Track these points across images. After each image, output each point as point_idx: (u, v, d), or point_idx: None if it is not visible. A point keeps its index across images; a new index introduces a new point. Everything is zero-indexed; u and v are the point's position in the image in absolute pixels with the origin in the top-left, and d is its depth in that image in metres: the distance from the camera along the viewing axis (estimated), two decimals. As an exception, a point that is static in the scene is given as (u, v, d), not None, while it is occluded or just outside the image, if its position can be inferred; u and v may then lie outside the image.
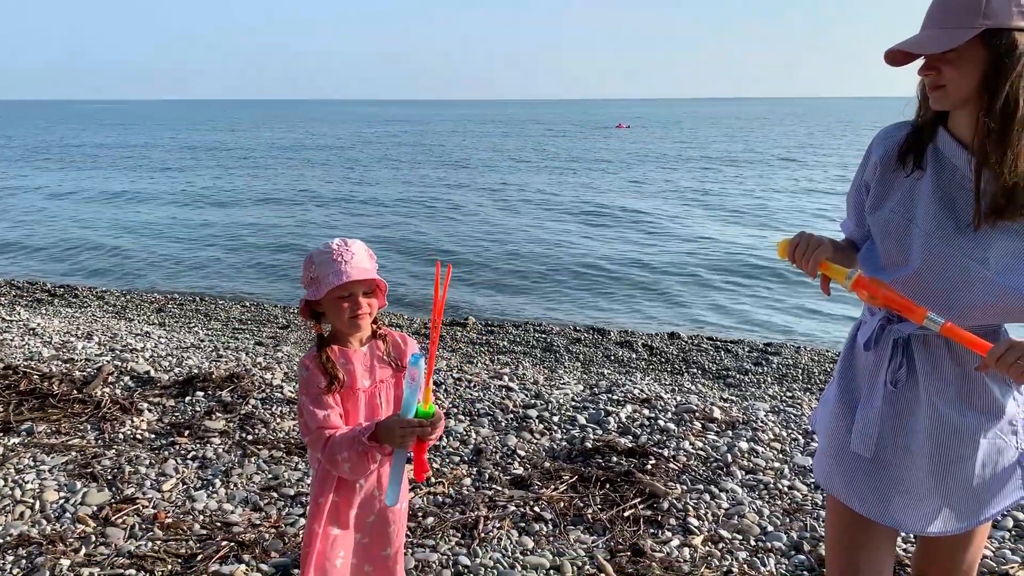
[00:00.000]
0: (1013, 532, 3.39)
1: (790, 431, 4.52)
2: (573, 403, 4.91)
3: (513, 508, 3.53)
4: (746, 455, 4.13)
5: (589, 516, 3.45)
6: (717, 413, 4.74)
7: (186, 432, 4.39)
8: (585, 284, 11.63)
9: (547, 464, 4.00)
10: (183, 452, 4.15)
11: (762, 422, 4.62)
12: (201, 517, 3.50)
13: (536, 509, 3.51)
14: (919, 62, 1.75)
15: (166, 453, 4.13)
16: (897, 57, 1.74)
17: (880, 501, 1.91)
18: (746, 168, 31.06)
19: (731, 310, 10.25)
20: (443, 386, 5.17)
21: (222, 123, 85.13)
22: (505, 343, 8.02)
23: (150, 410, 4.73)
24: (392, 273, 12.04)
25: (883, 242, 1.87)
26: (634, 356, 7.74)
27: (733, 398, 5.65)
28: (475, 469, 3.97)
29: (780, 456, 4.16)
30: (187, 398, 4.94)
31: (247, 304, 9.98)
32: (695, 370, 7.29)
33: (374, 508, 2.21)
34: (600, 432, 4.44)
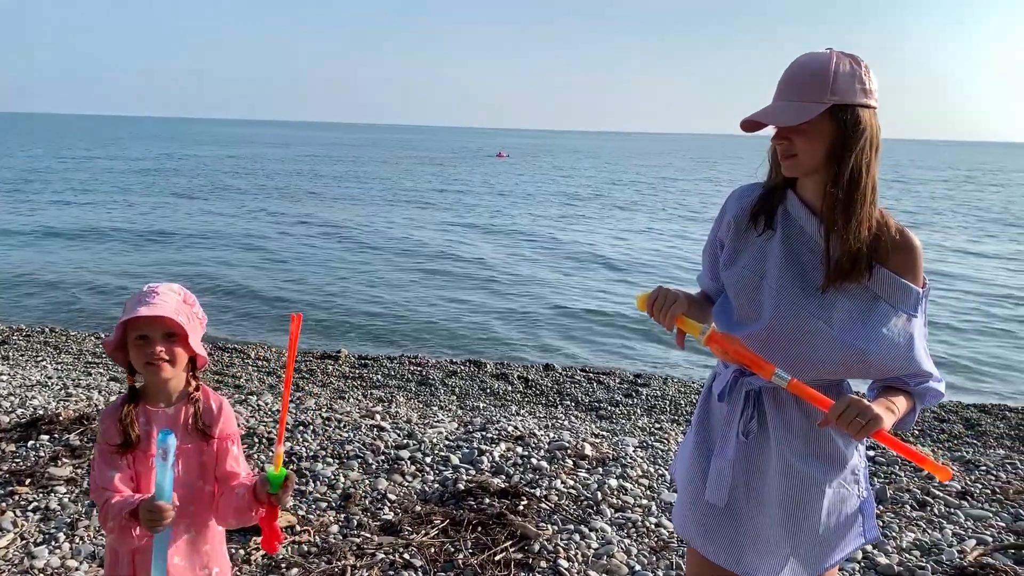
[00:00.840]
0: (862, 563, 3.56)
1: (657, 467, 4.62)
2: (447, 442, 4.86)
3: (382, 556, 3.43)
4: (615, 492, 4.19)
5: (460, 561, 3.40)
6: (588, 450, 4.79)
7: (27, 480, 4.06)
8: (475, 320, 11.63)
9: (418, 508, 3.92)
10: (23, 503, 3.83)
11: (631, 458, 4.70)
12: (41, 575, 3.23)
13: (406, 556, 3.43)
14: (771, 129, 1.84)
15: (3, 505, 3.80)
16: (752, 125, 1.82)
17: (734, 551, 1.96)
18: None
19: (602, 344, 10.47)
20: (311, 427, 5.01)
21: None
22: (379, 377, 7.89)
23: (-14, 457, 4.35)
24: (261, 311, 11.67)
25: (736, 298, 1.95)
26: (510, 388, 7.77)
27: (604, 432, 5.74)
28: (343, 515, 3.85)
29: (648, 493, 4.24)
30: (30, 442, 4.58)
31: (102, 335, 9.40)
32: (568, 402, 7.38)
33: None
34: (473, 472, 4.40)
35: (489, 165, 57.52)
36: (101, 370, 7.47)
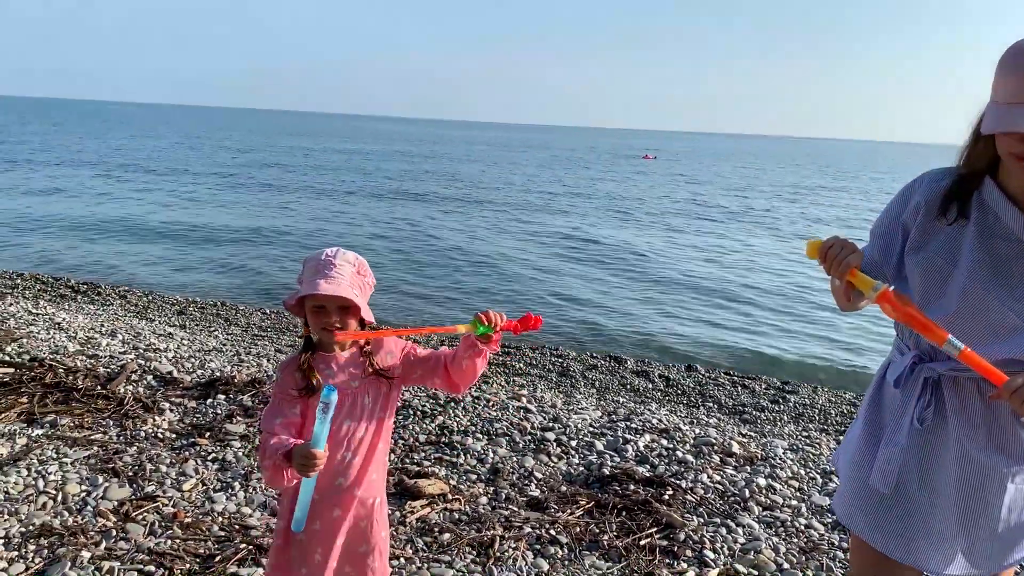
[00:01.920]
0: (1032, 585, 3.36)
1: (808, 470, 4.50)
2: (591, 429, 4.92)
3: (529, 530, 3.53)
4: (764, 491, 4.12)
5: (605, 542, 3.45)
6: (736, 448, 4.73)
7: (207, 434, 4.43)
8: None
9: (564, 488, 4.01)
10: (203, 453, 4.18)
11: (780, 459, 4.60)
12: (220, 519, 3.53)
13: (552, 532, 3.52)
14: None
15: (186, 453, 4.17)
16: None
17: (904, 541, 1.91)
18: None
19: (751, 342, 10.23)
20: (461, 404, 5.19)
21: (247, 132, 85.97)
22: (521, 365, 8.03)
23: (172, 410, 4.77)
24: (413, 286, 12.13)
25: (923, 283, 1.89)
26: (650, 386, 7.73)
27: (751, 434, 5.63)
28: (492, 488, 3.98)
29: (798, 494, 4.14)
30: (208, 400, 4.98)
31: (267, 311, 10.04)
32: (711, 404, 7.26)
33: (343, 504, 2.20)
34: (618, 459, 4.44)
35: (639, 165, 57.36)
36: (266, 342, 7.99)
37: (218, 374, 5.64)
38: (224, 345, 7.31)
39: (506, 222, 21.14)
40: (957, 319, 1.82)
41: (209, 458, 4.14)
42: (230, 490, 3.81)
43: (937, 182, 1.91)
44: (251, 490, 3.82)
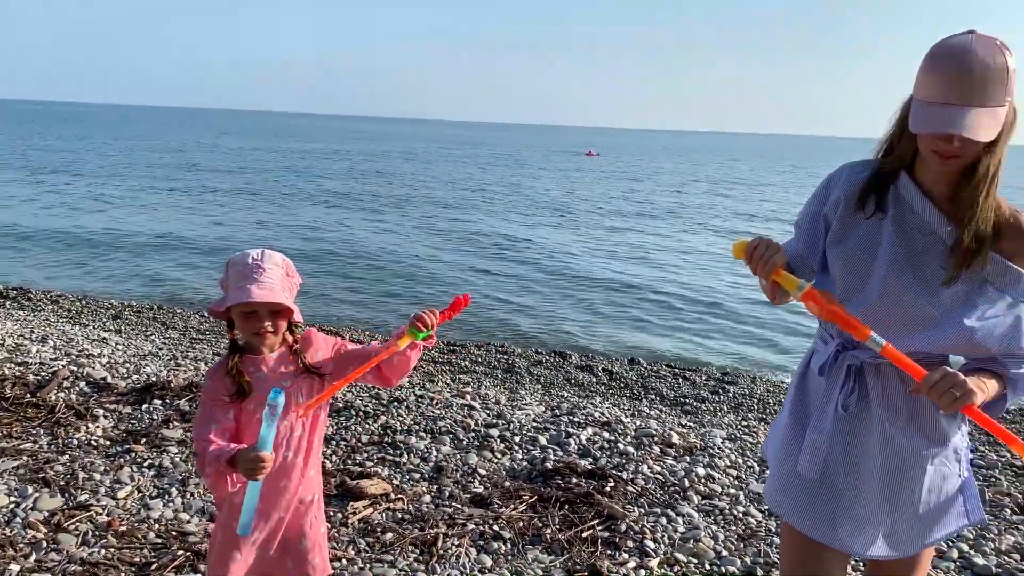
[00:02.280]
0: (958, 563, 3.48)
1: (746, 458, 4.60)
2: (535, 424, 4.94)
3: (472, 526, 3.54)
4: (703, 480, 4.19)
5: (548, 536, 3.48)
6: (675, 438, 4.80)
7: (143, 440, 4.33)
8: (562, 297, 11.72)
9: (507, 483, 4.02)
10: (139, 460, 4.09)
11: (719, 449, 4.69)
12: (156, 526, 3.45)
13: (495, 528, 3.53)
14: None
15: (121, 460, 4.07)
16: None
17: (830, 525, 1.97)
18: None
19: (691, 338, 10.39)
20: (405, 403, 5.17)
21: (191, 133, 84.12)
22: (467, 363, 8.03)
23: (106, 417, 4.66)
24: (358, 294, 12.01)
25: (843, 275, 1.95)
26: (594, 380, 7.81)
27: (691, 424, 5.73)
28: (435, 486, 3.97)
29: (736, 483, 4.23)
30: (144, 406, 4.87)
31: (205, 315, 9.85)
32: (653, 396, 7.37)
33: (285, 504, 2.21)
34: (560, 453, 4.47)
35: (581, 161, 57.68)
36: (205, 345, 7.85)
37: (154, 379, 5.52)
38: (161, 349, 7.16)
39: (442, 222, 20.99)
40: (876, 310, 1.87)
41: (145, 465, 4.05)
42: (167, 496, 3.74)
43: (856, 175, 1.96)
44: (189, 495, 3.76)
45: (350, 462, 4.23)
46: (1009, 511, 4.06)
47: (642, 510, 3.81)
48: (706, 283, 13.87)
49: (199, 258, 14.10)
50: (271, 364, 2.17)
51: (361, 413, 4.92)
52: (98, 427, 4.48)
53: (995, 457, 4.98)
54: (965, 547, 3.61)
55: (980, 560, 3.48)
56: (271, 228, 18.30)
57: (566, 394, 7.07)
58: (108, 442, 4.30)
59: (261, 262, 2.11)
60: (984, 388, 1.74)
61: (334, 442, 4.47)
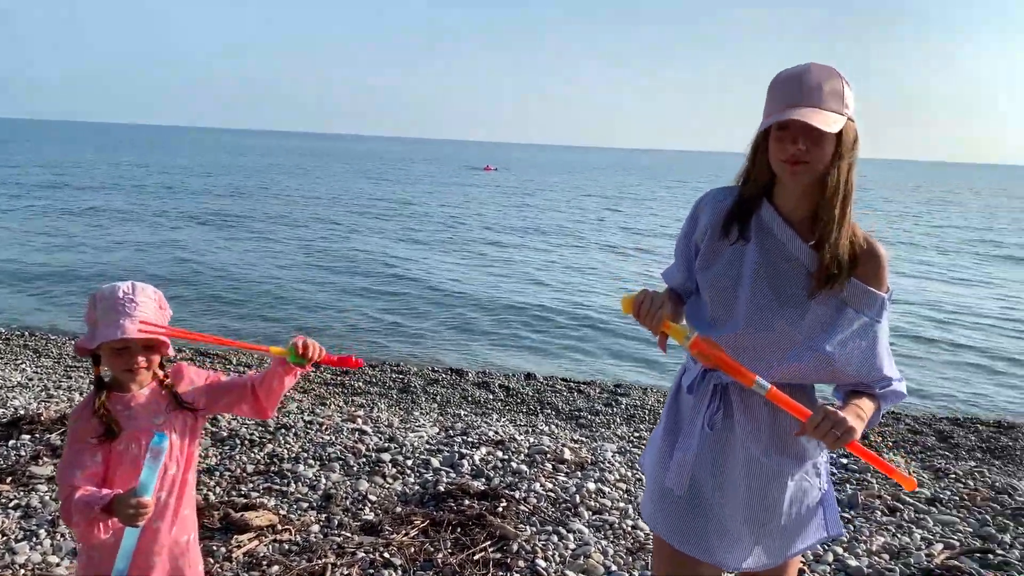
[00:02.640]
0: (833, 566, 3.64)
1: (635, 472, 4.69)
2: (428, 446, 4.91)
3: (362, 555, 3.48)
4: (593, 495, 4.25)
5: (439, 561, 3.45)
6: (567, 454, 4.86)
7: (8, 479, 4.08)
8: (452, 323, 11.67)
9: (399, 509, 3.98)
10: (4, 500, 3.85)
11: (609, 463, 4.77)
12: (22, 571, 3.25)
13: (386, 555, 3.48)
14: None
15: (-16, 503, 3.82)
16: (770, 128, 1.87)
17: (700, 539, 2.03)
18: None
19: (584, 354, 10.54)
20: (293, 429, 5.05)
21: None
22: (360, 384, 7.91)
23: (-33, 456, 4.36)
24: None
25: (712, 301, 2.02)
26: (491, 397, 7.81)
27: (584, 439, 5.81)
28: (324, 515, 3.89)
29: (625, 496, 4.31)
30: (11, 442, 4.59)
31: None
32: (549, 410, 7.43)
33: (159, 546, 2.12)
34: (454, 475, 4.45)
35: (478, 176, 57.90)
36: (81, 374, 7.45)
37: (22, 412, 5.21)
38: (31, 380, 6.76)
39: (327, 240, 20.46)
40: (744, 337, 1.94)
41: (11, 505, 3.81)
42: (34, 539, 3.53)
43: (720, 202, 2.04)
44: (59, 537, 3.55)
45: (234, 493, 4.09)
46: (879, 512, 4.28)
47: (534, 528, 3.83)
48: (591, 300, 14.06)
49: (54, 284, 13.27)
50: (141, 401, 2.08)
51: (247, 442, 4.77)
52: (-42, 467, 4.19)
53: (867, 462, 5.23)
54: (840, 550, 3.79)
55: (853, 562, 3.65)
56: (135, 250, 17.33)
57: (462, 412, 7.05)
58: (-31, 483, 4.02)
59: (133, 296, 2.02)
60: (863, 414, 1.84)
61: (217, 473, 4.32)
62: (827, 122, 1.77)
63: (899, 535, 4.00)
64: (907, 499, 4.47)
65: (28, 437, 4.66)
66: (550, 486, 4.35)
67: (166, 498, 2.11)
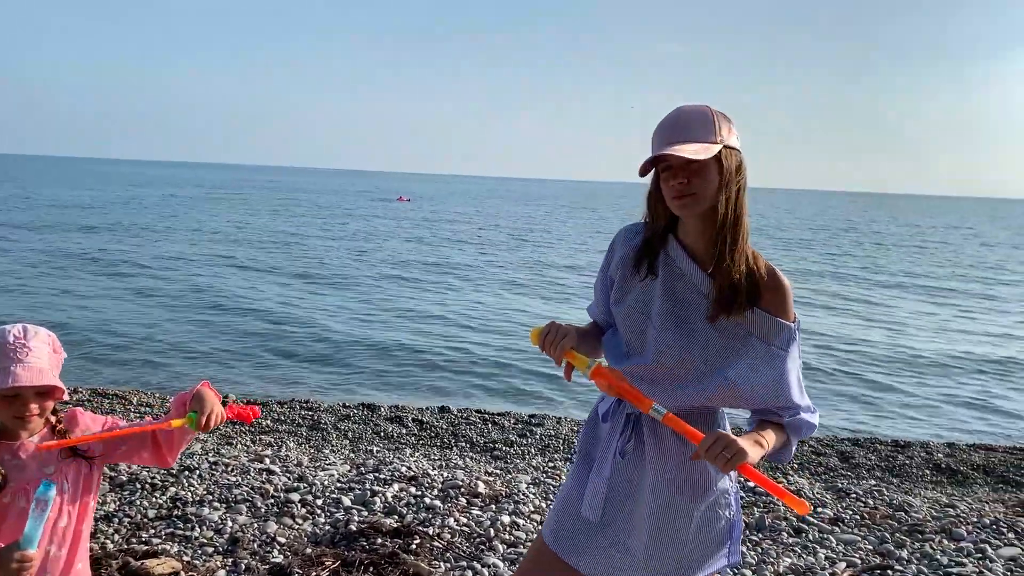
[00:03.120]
0: (742, 588, 3.72)
1: (550, 502, 4.70)
2: (339, 484, 4.80)
3: (270, 600, 3.36)
4: (508, 529, 4.24)
5: (351, 602, 3.37)
6: (482, 488, 4.83)
7: None
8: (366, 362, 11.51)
9: (309, 550, 3.86)
10: None
11: (524, 494, 4.77)
12: None
13: (295, 599, 3.37)
14: (645, 179, 1.99)
15: None
16: (647, 166, 1.94)
17: (606, 564, 2.06)
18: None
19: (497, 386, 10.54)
20: (197, 471, 4.86)
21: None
22: (269, 422, 7.69)
23: None
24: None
25: (625, 334, 2.07)
26: (404, 431, 7.71)
27: (498, 471, 5.79)
28: (231, 559, 3.74)
29: (539, 527, 4.30)
30: None
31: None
32: (463, 443, 7.38)
33: None
34: (365, 513, 4.37)
35: (393, 208, 57.61)
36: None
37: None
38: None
39: (206, 280, 20.19)
40: (655, 367, 2.00)
41: None
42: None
43: (631, 239, 2.11)
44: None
45: (134, 540, 3.91)
46: (785, 534, 4.40)
47: (448, 565, 3.78)
48: (498, 342, 14.04)
49: None
50: (31, 449, 1.98)
51: (147, 485, 4.56)
52: None
53: (773, 483, 5.38)
54: (748, 573, 3.87)
55: (761, 583, 3.74)
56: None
57: (375, 448, 6.92)
58: None
59: (25, 340, 1.93)
60: (763, 442, 1.88)
61: (116, 519, 4.11)
62: (697, 151, 1.84)
63: (804, 555, 4.12)
64: (812, 520, 4.62)
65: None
66: (464, 521, 4.31)
67: (56, 551, 2.00)
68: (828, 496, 5.28)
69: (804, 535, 4.40)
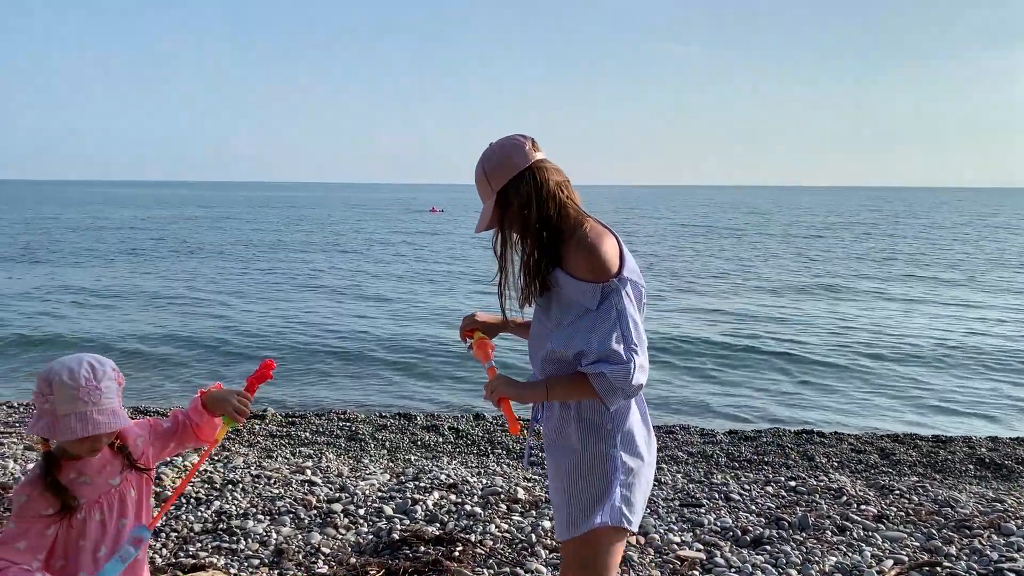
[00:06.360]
0: None
1: (590, 507, 4.69)
2: (380, 493, 4.84)
3: (318, 609, 3.40)
4: (549, 533, 4.24)
5: (397, 610, 3.39)
6: (521, 493, 4.84)
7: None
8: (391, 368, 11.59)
9: (353, 560, 3.90)
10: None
11: (564, 500, 4.76)
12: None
13: (342, 608, 3.41)
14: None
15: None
16: None
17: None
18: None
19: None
20: (240, 484, 4.93)
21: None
22: (307, 434, 7.76)
23: None
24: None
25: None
26: (440, 440, 7.74)
27: (536, 477, 5.79)
28: (276, 572, 3.79)
29: (581, 532, 4.30)
30: (-60, 516, 4.38)
31: (14, 404, 9.03)
32: (500, 451, 7.39)
33: None
34: (408, 521, 4.40)
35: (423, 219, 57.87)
36: (15, 439, 7.17)
37: (-48, 484, 4.98)
38: (-40, 449, 6.47)
39: (250, 287, 20.44)
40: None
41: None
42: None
43: None
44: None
45: (181, 554, 3.97)
46: (829, 532, 4.36)
47: (491, 571, 3.80)
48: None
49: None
50: (95, 466, 2.03)
51: (192, 500, 4.64)
52: None
53: (815, 483, 5.34)
54: (794, 572, 3.84)
55: (807, 583, 3.70)
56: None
57: (412, 457, 6.97)
58: None
59: (97, 383, 1.93)
60: (533, 386, 2.22)
61: (163, 534, 4.18)
62: (480, 223, 2.29)
63: (850, 553, 4.08)
64: (855, 517, 4.57)
65: (-41, 509, 4.45)
66: (505, 527, 4.32)
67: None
68: (871, 493, 5.22)
69: (848, 533, 4.36)
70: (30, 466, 5.60)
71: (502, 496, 4.79)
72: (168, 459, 5.12)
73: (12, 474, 5.29)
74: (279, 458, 6.43)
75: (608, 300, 2.11)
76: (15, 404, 9.04)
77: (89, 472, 2.01)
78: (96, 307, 16.74)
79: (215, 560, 3.88)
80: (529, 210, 2.17)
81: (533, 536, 4.18)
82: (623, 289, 2.13)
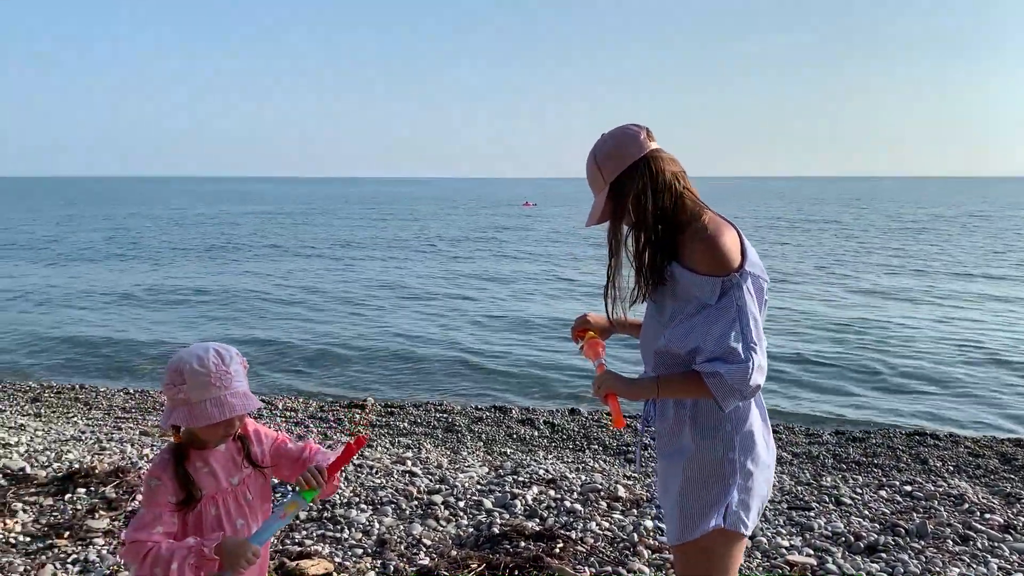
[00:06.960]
0: None
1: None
2: (479, 486, 4.85)
3: (421, 601, 3.42)
4: (651, 533, 4.16)
5: (499, 605, 3.38)
6: (622, 491, 4.77)
7: (66, 533, 4.09)
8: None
9: (454, 552, 3.92)
10: (63, 556, 3.85)
11: (665, 499, 4.67)
12: (82, 628, 3.24)
13: (444, 601, 3.42)
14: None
15: (43, 557, 3.83)
16: None
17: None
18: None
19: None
20: (343, 473, 5.02)
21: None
22: (406, 424, 7.88)
23: (25, 510, 4.39)
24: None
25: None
26: (536, 434, 7.73)
27: (635, 475, 5.71)
28: (380, 561, 3.84)
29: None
30: (67, 496, 4.61)
31: (131, 391, 9.49)
32: (596, 446, 7.32)
33: None
34: (507, 516, 4.39)
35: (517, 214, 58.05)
36: (131, 425, 7.53)
37: (77, 465, 5.25)
38: (84, 433, 6.83)
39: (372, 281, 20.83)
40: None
41: (69, 560, 3.81)
42: (93, 594, 3.52)
43: None
44: (117, 591, 3.54)
45: (288, 542, 4.07)
46: (951, 542, 4.13)
47: (593, 570, 3.74)
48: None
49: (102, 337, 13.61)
50: (219, 458, 2.07)
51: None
52: (16, 523, 4.21)
53: (932, 488, 5.07)
54: (913, 583, 3.65)
55: (928, 595, 3.51)
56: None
57: (508, 451, 6.98)
58: (28, 538, 4.04)
59: (226, 367, 1.98)
60: (646, 382, 2.12)
61: (271, 521, 4.29)
62: (591, 217, 2.22)
63: (974, 565, 3.85)
64: (979, 527, 4.31)
65: (83, 491, 4.68)
66: (606, 525, 4.26)
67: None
68: (995, 501, 4.92)
69: (972, 543, 4.11)
70: (146, 451, 5.86)
71: (602, 493, 4.73)
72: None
73: (130, 458, 5.53)
74: (379, 448, 6.54)
75: (728, 295, 2.01)
76: (131, 391, 9.49)
77: (214, 464, 2.05)
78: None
79: (320, 548, 3.95)
80: (644, 201, 2.09)
81: (635, 535, 4.10)
82: (744, 284, 2.03)
